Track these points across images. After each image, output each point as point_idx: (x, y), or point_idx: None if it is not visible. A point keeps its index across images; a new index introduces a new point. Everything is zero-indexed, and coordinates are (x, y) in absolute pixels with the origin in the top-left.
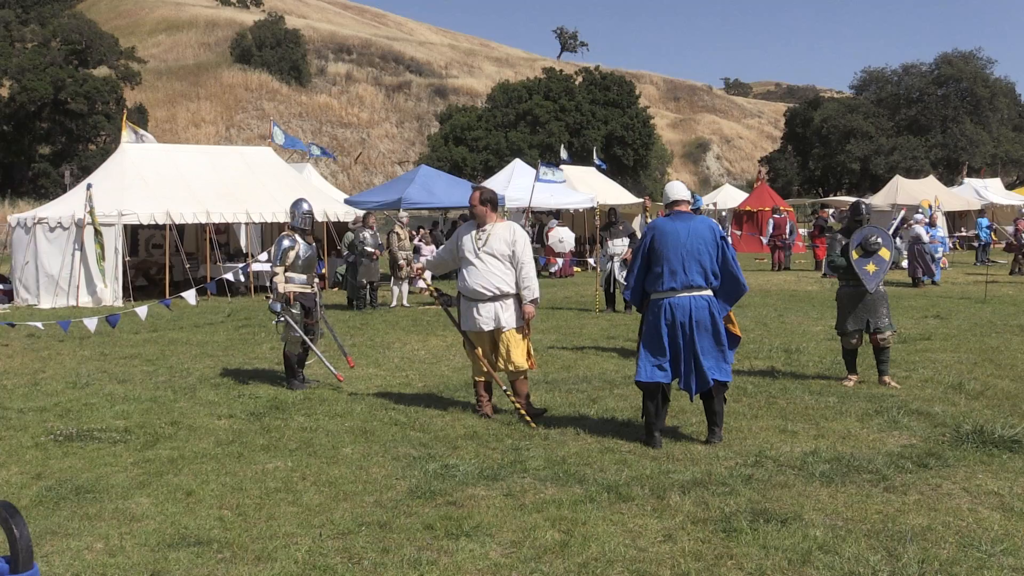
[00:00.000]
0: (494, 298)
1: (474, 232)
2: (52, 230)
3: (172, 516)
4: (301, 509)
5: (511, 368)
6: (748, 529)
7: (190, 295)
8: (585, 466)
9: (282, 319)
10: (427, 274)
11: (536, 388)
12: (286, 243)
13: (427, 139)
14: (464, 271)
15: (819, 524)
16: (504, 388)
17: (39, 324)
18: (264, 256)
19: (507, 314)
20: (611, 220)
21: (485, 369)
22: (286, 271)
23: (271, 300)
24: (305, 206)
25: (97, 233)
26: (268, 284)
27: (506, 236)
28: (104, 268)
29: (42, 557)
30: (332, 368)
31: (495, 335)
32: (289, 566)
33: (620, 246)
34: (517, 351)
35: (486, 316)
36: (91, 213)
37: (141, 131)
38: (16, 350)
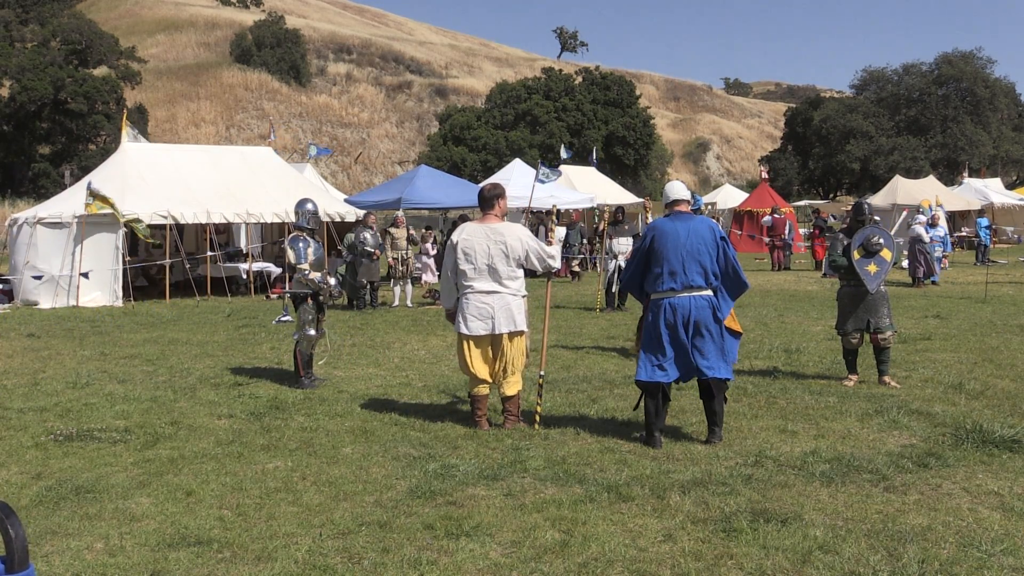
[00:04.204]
0: None
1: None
2: (52, 230)
3: (172, 516)
4: (301, 509)
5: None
6: (748, 529)
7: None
8: (585, 466)
9: (284, 318)
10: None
11: (536, 388)
12: (301, 244)
13: (427, 139)
14: None
15: (819, 524)
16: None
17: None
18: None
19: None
20: (617, 219)
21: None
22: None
23: (332, 286)
24: (310, 206)
25: (133, 221)
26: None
27: None
28: (143, 231)
29: (42, 557)
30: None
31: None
32: (289, 566)
33: (624, 245)
34: None
35: None
36: (110, 205)
37: (136, 132)
38: (16, 350)
